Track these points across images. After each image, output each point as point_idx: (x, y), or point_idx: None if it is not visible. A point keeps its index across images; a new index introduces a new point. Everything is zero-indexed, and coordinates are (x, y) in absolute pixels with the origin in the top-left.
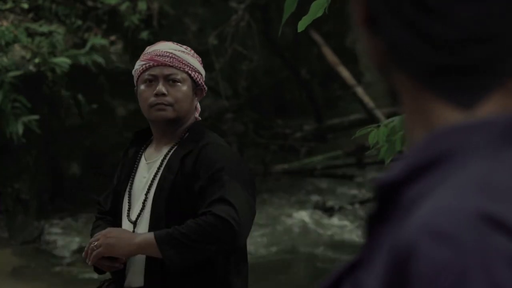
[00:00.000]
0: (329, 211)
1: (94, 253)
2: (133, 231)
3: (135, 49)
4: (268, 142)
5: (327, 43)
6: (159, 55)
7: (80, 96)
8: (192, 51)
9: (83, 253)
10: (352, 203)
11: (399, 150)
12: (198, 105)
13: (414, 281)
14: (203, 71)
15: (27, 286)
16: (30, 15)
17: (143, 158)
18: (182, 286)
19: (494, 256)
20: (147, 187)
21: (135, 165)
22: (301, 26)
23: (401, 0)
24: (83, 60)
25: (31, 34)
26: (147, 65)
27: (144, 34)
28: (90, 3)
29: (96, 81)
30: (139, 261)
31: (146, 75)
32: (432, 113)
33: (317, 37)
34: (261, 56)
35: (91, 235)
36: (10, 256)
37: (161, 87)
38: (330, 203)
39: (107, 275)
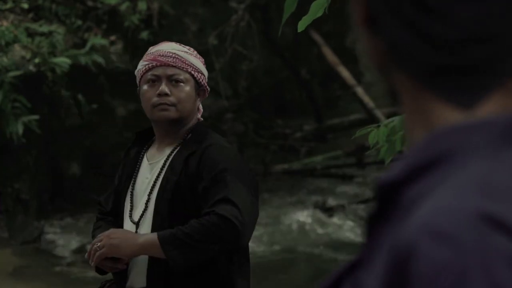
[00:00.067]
0: (329, 211)
1: (97, 254)
2: (136, 232)
3: (135, 49)
4: (268, 142)
5: (327, 43)
6: (162, 55)
7: (80, 96)
8: (195, 52)
9: (86, 254)
10: (352, 203)
11: (399, 150)
12: (200, 106)
13: (414, 281)
14: (206, 72)
15: (27, 286)
16: (30, 15)
17: (145, 159)
18: (185, 286)
19: (494, 256)
20: (149, 187)
21: (137, 166)
22: (301, 26)
23: (401, 0)
24: (83, 60)
25: (31, 34)
26: (150, 65)
27: (144, 34)
28: (90, 3)
29: (96, 81)
30: (142, 261)
31: (149, 75)
32: (432, 113)
33: (317, 37)
34: (261, 56)
35: (93, 236)
36: (10, 256)
37: (164, 87)
38: (330, 203)
39: (109, 276)
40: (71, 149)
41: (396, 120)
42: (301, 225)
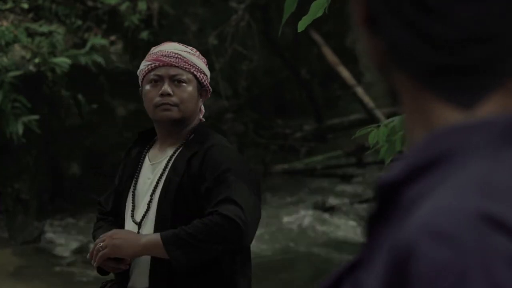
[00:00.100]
0: (329, 211)
1: (100, 254)
2: (138, 232)
3: (135, 49)
4: (268, 142)
5: (327, 43)
6: (165, 56)
7: (80, 96)
8: (198, 52)
9: (88, 254)
10: (352, 203)
11: (399, 150)
12: (202, 107)
13: (414, 281)
14: (208, 72)
15: (27, 286)
16: (30, 15)
17: (147, 159)
18: (188, 286)
19: (494, 256)
20: (152, 188)
21: (139, 166)
22: (301, 26)
23: (401, 0)
24: (83, 60)
25: (31, 34)
26: (152, 65)
27: (144, 34)
28: (90, 3)
29: (96, 81)
30: (144, 262)
31: (151, 75)
32: (432, 113)
33: (317, 37)
34: (261, 56)
35: (93, 237)
36: (10, 256)
37: (166, 87)
38: (330, 202)
39: (109, 276)
40: (71, 149)
41: (396, 120)
42: (301, 225)
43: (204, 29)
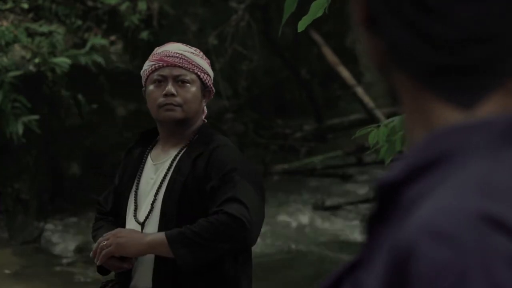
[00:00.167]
0: (329, 211)
1: (103, 252)
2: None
3: (135, 49)
4: (268, 142)
5: (327, 43)
6: (169, 56)
7: (80, 96)
8: (201, 53)
9: (91, 253)
10: (352, 203)
11: (399, 150)
12: (205, 108)
13: (414, 281)
14: (211, 73)
15: (27, 286)
16: (30, 15)
17: (149, 159)
18: (192, 286)
19: (494, 256)
20: (155, 188)
21: (141, 166)
22: (301, 26)
23: (401, 0)
24: (83, 60)
25: (31, 34)
26: (156, 65)
27: (144, 34)
28: (90, 3)
29: (96, 81)
30: (148, 261)
31: (155, 76)
32: (432, 113)
33: (317, 37)
34: (261, 56)
35: (94, 237)
36: (10, 256)
37: (170, 88)
38: (329, 203)
39: (109, 276)
40: (71, 149)
41: (396, 120)
42: (301, 225)
43: (204, 29)
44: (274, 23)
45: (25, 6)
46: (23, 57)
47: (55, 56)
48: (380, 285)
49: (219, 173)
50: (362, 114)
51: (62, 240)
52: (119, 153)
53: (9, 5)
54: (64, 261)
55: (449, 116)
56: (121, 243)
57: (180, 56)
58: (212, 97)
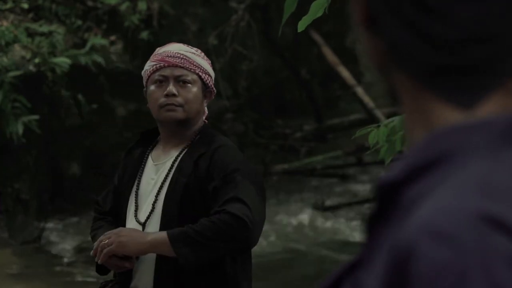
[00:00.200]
0: (329, 211)
1: (105, 250)
2: None
3: (135, 49)
4: (268, 142)
5: (327, 43)
6: (170, 56)
7: (80, 96)
8: (203, 54)
9: (92, 251)
10: (352, 203)
11: (399, 150)
12: (206, 108)
13: (414, 281)
14: (212, 73)
15: (27, 286)
16: (30, 15)
17: (150, 159)
18: (194, 286)
19: (494, 256)
20: (156, 188)
21: (142, 166)
22: (301, 26)
23: (401, 0)
24: (83, 60)
25: (31, 34)
26: (157, 65)
27: (144, 34)
28: (90, 3)
29: (96, 81)
30: (149, 261)
31: (156, 76)
32: (432, 113)
33: (317, 37)
34: (261, 56)
35: (93, 236)
36: (10, 256)
37: (171, 88)
38: (329, 203)
39: (109, 276)
40: (71, 149)
41: (396, 120)
42: (301, 225)
43: (204, 29)
44: (274, 23)
45: (25, 6)
46: (23, 57)
47: (55, 56)
48: (380, 285)
49: (221, 174)
50: (362, 114)
51: (62, 240)
52: (119, 153)
53: (9, 5)
54: (64, 261)
55: (449, 116)
56: (122, 241)
57: (181, 56)
58: (213, 97)
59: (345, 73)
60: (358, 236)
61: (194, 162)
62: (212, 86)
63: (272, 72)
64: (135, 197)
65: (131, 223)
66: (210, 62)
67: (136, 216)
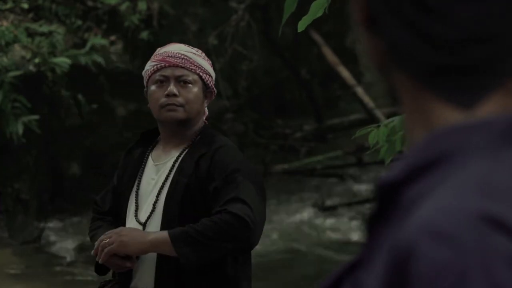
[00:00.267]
0: (329, 211)
1: (106, 250)
2: None
3: (135, 49)
4: (268, 142)
5: (327, 43)
6: (171, 56)
7: (80, 96)
8: (203, 54)
9: (93, 251)
10: (352, 203)
11: (399, 150)
12: (206, 109)
13: (414, 281)
14: (213, 74)
15: (27, 286)
16: (30, 15)
17: (150, 160)
18: (195, 286)
19: (494, 256)
20: (157, 189)
21: (142, 166)
22: (301, 26)
23: (401, 0)
24: (83, 60)
25: (31, 34)
26: (158, 65)
27: (144, 34)
28: (90, 3)
29: (96, 81)
30: (150, 260)
31: (157, 76)
32: (432, 113)
33: (317, 37)
34: (261, 56)
35: (91, 237)
36: (10, 256)
37: (172, 88)
38: (329, 203)
39: (108, 276)
40: (71, 149)
41: (396, 120)
42: (301, 225)
43: (204, 29)
44: (274, 23)
45: (25, 6)
46: (23, 57)
47: (55, 56)
48: (380, 285)
49: (222, 174)
50: (362, 114)
51: (62, 240)
52: (119, 153)
53: (9, 5)
54: (64, 261)
55: (449, 116)
56: (123, 241)
57: (182, 56)
58: (213, 98)
59: (345, 73)
60: (358, 236)
61: (195, 163)
62: (213, 86)
63: (272, 72)
64: (135, 197)
65: (131, 223)
66: (210, 62)
67: (136, 216)
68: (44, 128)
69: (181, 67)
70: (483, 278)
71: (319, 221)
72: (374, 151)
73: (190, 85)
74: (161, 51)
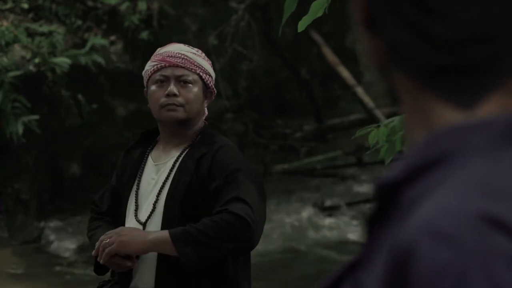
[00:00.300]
0: (329, 211)
1: (107, 250)
2: None
3: (135, 49)
4: (268, 142)
5: (327, 43)
6: (171, 56)
7: (80, 96)
8: (203, 54)
9: (93, 251)
10: (351, 203)
11: (399, 150)
12: (206, 109)
13: (414, 281)
14: (213, 74)
15: (27, 286)
16: (30, 15)
17: (150, 159)
18: (196, 286)
19: (494, 256)
20: (157, 188)
21: (141, 166)
22: (301, 26)
23: (401, 0)
24: (83, 60)
25: (31, 34)
26: (158, 65)
27: (144, 34)
28: (90, 3)
29: (96, 81)
30: (150, 260)
31: (157, 76)
32: (432, 113)
33: (317, 37)
34: (261, 56)
35: (90, 237)
36: (10, 256)
37: (172, 88)
38: (329, 203)
39: (106, 276)
40: (71, 149)
41: (396, 120)
42: (301, 225)
43: (204, 29)
44: (274, 23)
45: (25, 6)
46: (23, 57)
47: (55, 56)
48: (380, 285)
49: (222, 174)
50: (362, 114)
51: (62, 240)
52: (119, 153)
53: (9, 5)
54: (64, 261)
55: (449, 116)
56: (124, 240)
57: (182, 56)
58: (213, 98)
59: (345, 73)
60: (358, 236)
61: (196, 162)
62: (213, 86)
63: (272, 72)
64: (135, 196)
65: (131, 222)
66: (210, 62)
67: (136, 215)
68: (44, 128)
69: (181, 67)
70: (483, 278)
71: (319, 221)
72: (374, 151)
73: (190, 85)
74: (161, 51)
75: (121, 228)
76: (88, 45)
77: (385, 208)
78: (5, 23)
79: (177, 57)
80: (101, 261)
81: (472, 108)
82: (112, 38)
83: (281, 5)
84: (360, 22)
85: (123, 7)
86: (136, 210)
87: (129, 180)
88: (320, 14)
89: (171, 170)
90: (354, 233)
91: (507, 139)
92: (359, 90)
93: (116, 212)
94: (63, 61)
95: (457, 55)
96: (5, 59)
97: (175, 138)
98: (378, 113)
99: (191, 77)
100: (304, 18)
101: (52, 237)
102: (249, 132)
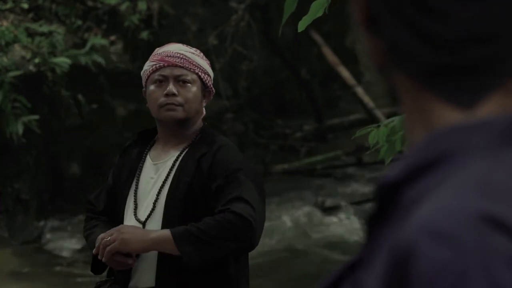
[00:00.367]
0: (329, 211)
1: (108, 248)
2: None
3: (135, 49)
4: (268, 142)
5: (327, 43)
6: (170, 56)
7: (80, 96)
8: (202, 54)
9: (94, 249)
10: (352, 203)
11: (399, 150)
12: (204, 109)
13: (414, 281)
14: (212, 74)
15: (27, 286)
16: (30, 15)
17: (148, 159)
18: (197, 285)
19: (494, 256)
20: (157, 188)
21: (140, 165)
22: (301, 26)
23: (401, 0)
24: (83, 60)
25: (31, 34)
26: (157, 65)
27: (144, 34)
28: (90, 3)
29: (96, 81)
30: (151, 259)
31: (156, 76)
32: (432, 113)
33: (317, 37)
34: (261, 56)
35: (86, 236)
36: (10, 256)
37: (171, 87)
38: (329, 203)
39: (104, 276)
40: (71, 149)
41: (396, 120)
42: (301, 225)
43: (204, 29)
44: (274, 23)
45: (25, 6)
46: (23, 57)
47: (55, 56)
48: (380, 285)
49: (223, 173)
50: (362, 114)
51: (62, 240)
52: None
53: (9, 5)
54: (64, 261)
55: (449, 116)
56: (125, 238)
57: (181, 56)
58: (211, 97)
59: (345, 73)
60: (358, 236)
61: (196, 162)
62: (211, 86)
63: (272, 72)
64: (134, 195)
65: (130, 221)
66: (209, 62)
67: (135, 214)
68: (44, 128)
69: (180, 66)
70: (483, 278)
71: (318, 221)
72: (374, 151)
73: (189, 84)
74: (159, 51)
75: (122, 226)
76: (88, 45)
77: (385, 208)
78: (5, 23)
79: (175, 56)
80: (102, 260)
81: (472, 108)
82: (112, 38)
83: (281, 5)
84: (360, 22)
85: (123, 7)
86: (135, 209)
87: (127, 179)
88: (320, 14)
89: (170, 170)
90: (354, 233)
91: (507, 139)
92: (359, 90)
93: (113, 211)
94: (63, 61)
95: (457, 55)
96: (5, 59)
97: (174, 137)
98: (378, 113)
99: (190, 76)
100: (304, 18)
101: (52, 237)
102: (249, 132)
